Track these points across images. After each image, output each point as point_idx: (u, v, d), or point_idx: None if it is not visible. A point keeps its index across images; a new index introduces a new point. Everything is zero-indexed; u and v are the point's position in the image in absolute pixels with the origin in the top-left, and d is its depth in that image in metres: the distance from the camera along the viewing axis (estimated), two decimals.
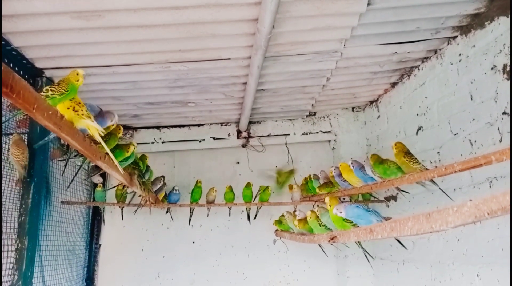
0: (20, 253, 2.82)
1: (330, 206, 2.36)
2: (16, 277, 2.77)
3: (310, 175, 4.03)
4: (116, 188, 3.96)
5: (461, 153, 2.68)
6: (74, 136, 1.86)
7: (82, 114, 1.90)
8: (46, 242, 3.36)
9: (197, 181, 4.23)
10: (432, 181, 2.48)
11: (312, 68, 3.24)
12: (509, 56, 2.31)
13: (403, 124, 3.61)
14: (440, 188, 2.58)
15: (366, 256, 2.65)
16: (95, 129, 1.98)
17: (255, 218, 4.34)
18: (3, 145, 2.75)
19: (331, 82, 3.59)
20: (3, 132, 2.66)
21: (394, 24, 2.68)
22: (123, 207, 4.18)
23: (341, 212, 2.22)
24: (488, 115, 2.46)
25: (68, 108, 1.88)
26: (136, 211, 4.16)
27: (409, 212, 3.36)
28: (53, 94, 1.80)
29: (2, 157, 2.74)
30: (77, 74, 1.91)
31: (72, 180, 3.52)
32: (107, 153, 2.30)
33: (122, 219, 4.26)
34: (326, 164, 4.44)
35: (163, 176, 4.17)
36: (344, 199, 3.80)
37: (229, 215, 4.37)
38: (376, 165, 2.81)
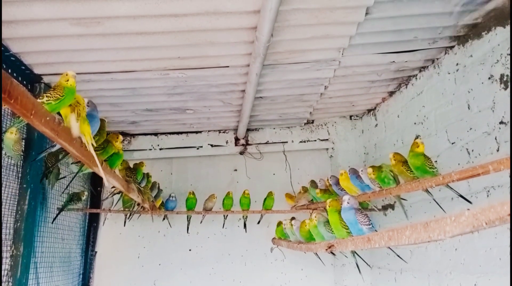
0: (15, 259, 2.79)
1: (329, 206, 2.37)
2: (10, 284, 2.74)
3: (310, 182, 4.03)
4: (123, 194, 3.90)
5: (459, 162, 2.69)
6: (71, 142, 1.85)
7: (78, 114, 1.88)
8: (41, 248, 3.33)
9: (189, 192, 4.23)
10: (427, 191, 2.48)
11: (310, 77, 3.25)
12: (505, 66, 2.33)
13: (400, 132, 3.62)
14: (434, 199, 2.57)
15: (358, 267, 2.62)
16: (88, 135, 1.96)
17: (258, 223, 4.35)
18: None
19: (329, 91, 3.60)
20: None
21: (392, 33, 2.70)
22: (127, 214, 4.13)
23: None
24: (485, 125, 2.47)
25: (71, 105, 1.86)
26: (130, 217, 4.13)
27: (407, 221, 3.35)
28: (49, 100, 1.76)
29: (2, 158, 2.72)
30: (66, 75, 1.87)
31: (67, 186, 3.50)
32: (105, 160, 2.30)
33: (124, 225, 4.21)
34: (324, 172, 4.45)
35: (157, 183, 4.14)
36: None
37: (223, 225, 4.35)
38: (375, 172, 2.83)
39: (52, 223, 3.50)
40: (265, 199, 4.21)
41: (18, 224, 2.85)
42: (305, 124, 4.60)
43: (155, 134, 4.69)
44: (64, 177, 3.49)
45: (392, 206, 3.72)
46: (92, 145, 2.00)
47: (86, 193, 3.95)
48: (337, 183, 3.39)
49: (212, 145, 4.67)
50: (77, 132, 1.88)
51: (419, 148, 2.44)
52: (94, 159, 2.12)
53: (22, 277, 2.81)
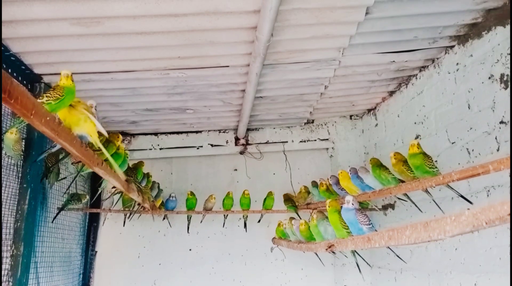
0: (15, 259, 2.79)
1: (329, 206, 2.39)
2: (11, 283, 2.74)
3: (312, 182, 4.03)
4: (123, 194, 3.90)
5: (459, 162, 2.69)
6: (71, 142, 1.85)
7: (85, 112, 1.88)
8: (41, 248, 3.33)
9: (188, 193, 4.24)
10: (426, 191, 2.48)
11: (310, 76, 3.25)
12: (506, 65, 2.33)
13: (401, 132, 3.62)
14: (433, 200, 2.57)
15: (358, 266, 2.62)
16: (94, 130, 1.95)
17: (259, 222, 4.36)
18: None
19: (329, 90, 3.60)
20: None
21: (392, 33, 2.70)
22: (126, 214, 4.13)
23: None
24: (485, 124, 2.47)
25: (72, 106, 1.86)
26: (130, 217, 4.14)
27: (407, 220, 3.35)
28: (49, 100, 1.75)
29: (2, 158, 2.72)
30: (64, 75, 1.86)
31: (69, 187, 3.51)
32: (105, 159, 2.29)
33: (124, 225, 4.22)
34: (324, 171, 4.45)
35: (157, 183, 4.14)
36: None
37: (224, 224, 4.35)
38: (374, 168, 2.83)
39: (52, 222, 3.50)
40: (265, 199, 4.22)
41: (18, 224, 2.85)
42: (305, 123, 4.60)
43: (155, 134, 4.69)
44: (65, 177, 3.49)
45: (392, 206, 3.71)
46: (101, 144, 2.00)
47: (87, 197, 3.94)
48: (337, 183, 3.39)
49: (212, 145, 4.67)
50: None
51: (412, 150, 2.46)
52: (93, 158, 2.12)
53: (23, 276, 2.81)
